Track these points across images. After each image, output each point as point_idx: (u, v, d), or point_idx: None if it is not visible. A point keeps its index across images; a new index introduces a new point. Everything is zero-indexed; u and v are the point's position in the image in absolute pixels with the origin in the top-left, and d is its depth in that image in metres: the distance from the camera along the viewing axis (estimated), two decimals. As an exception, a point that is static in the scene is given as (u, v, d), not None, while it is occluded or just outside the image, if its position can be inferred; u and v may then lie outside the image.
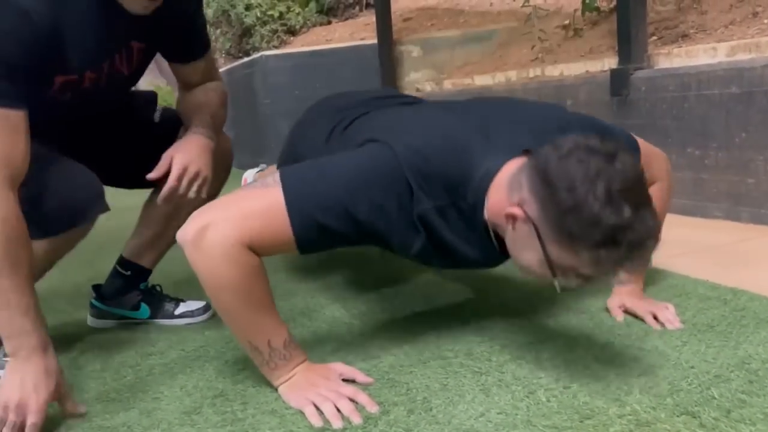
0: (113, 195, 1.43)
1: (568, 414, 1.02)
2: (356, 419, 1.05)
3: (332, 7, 6.17)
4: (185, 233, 1.10)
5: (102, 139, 1.48)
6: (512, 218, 1.07)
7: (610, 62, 2.75)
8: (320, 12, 6.15)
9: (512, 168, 1.11)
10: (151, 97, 1.61)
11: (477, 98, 1.44)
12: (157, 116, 1.55)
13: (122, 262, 1.62)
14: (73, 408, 1.15)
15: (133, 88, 1.52)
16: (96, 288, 1.65)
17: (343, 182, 1.13)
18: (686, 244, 2.01)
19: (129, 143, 1.51)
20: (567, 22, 3.73)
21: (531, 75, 3.27)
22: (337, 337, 1.43)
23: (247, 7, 6.08)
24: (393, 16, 4.53)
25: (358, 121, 1.40)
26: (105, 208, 1.35)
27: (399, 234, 1.17)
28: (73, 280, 2.00)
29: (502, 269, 1.86)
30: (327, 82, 4.32)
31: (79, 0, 1.19)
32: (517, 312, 1.49)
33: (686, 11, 2.98)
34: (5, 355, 1.32)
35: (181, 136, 1.44)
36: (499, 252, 1.21)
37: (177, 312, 1.63)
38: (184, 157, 1.35)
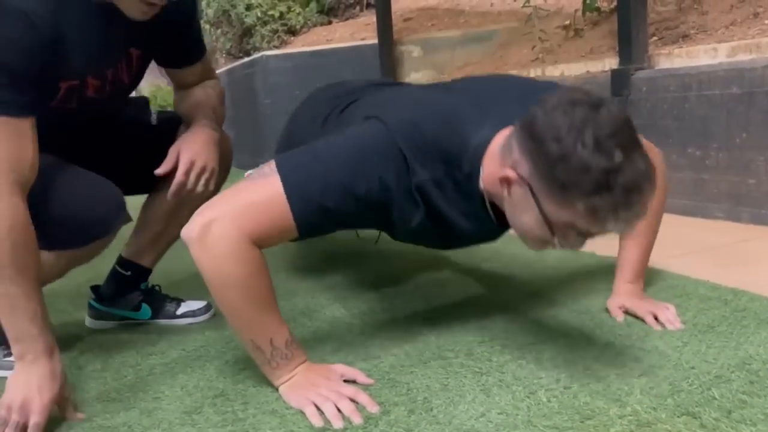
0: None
1: (568, 414, 1.02)
2: (357, 419, 1.05)
3: (333, 7, 6.17)
4: (189, 231, 1.11)
5: (103, 147, 1.48)
6: (506, 182, 1.07)
7: (611, 62, 2.75)
8: (321, 12, 6.15)
9: (504, 135, 1.11)
10: (144, 102, 1.63)
11: (467, 76, 1.45)
12: (153, 119, 1.56)
13: (122, 262, 1.62)
14: (73, 415, 1.15)
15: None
16: (95, 289, 1.64)
17: (339, 161, 1.14)
18: (687, 244, 2.01)
19: (130, 148, 1.51)
20: (567, 22, 3.73)
21: (532, 75, 3.27)
22: (338, 337, 1.43)
23: (248, 7, 6.08)
24: (393, 16, 4.54)
25: (353, 105, 1.41)
26: (127, 219, 1.37)
27: (399, 205, 1.17)
28: (73, 281, 2.00)
29: (503, 270, 1.87)
30: (327, 82, 4.31)
31: (80, 5, 1.19)
32: (517, 312, 1.49)
33: (687, 12, 2.98)
34: (6, 356, 1.33)
35: (181, 134, 1.44)
36: (497, 224, 1.22)
37: (179, 312, 1.62)
38: (191, 152, 1.36)
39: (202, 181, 1.37)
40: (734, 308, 1.40)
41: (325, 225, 1.18)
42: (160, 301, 1.64)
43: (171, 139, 1.43)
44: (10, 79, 1.09)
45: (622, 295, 1.44)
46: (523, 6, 3.79)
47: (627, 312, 1.40)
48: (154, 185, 1.51)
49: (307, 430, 1.05)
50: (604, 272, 1.62)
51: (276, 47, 5.79)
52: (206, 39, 7.41)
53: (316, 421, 1.06)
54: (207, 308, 1.64)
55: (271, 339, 1.14)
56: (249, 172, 2.27)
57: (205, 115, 1.46)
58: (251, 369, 1.27)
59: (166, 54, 1.45)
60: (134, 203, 1.60)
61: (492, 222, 1.22)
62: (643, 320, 1.36)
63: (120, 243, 1.64)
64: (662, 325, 1.33)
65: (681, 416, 0.99)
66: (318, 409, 1.09)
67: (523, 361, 1.22)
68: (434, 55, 4.55)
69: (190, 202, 1.45)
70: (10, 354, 1.22)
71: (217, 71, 6.22)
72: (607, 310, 1.43)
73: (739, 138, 2.19)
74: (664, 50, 2.61)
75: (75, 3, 1.19)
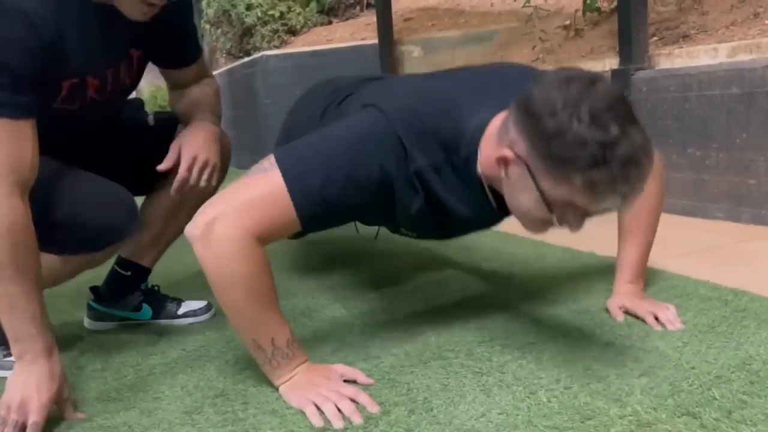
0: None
1: (569, 414, 1.02)
2: (357, 419, 1.05)
3: (333, 7, 6.17)
4: (193, 229, 1.11)
5: (104, 150, 1.48)
6: (504, 162, 1.07)
7: (611, 63, 2.75)
8: (321, 12, 6.15)
9: (501, 118, 1.11)
10: (140, 103, 1.63)
11: (467, 65, 1.45)
12: (150, 120, 1.56)
13: (121, 262, 1.61)
14: (72, 415, 1.15)
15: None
16: (94, 290, 1.63)
17: (339, 151, 1.14)
18: (687, 244, 2.01)
19: (129, 150, 1.51)
20: (568, 22, 3.73)
21: (532, 75, 3.27)
22: (338, 337, 1.43)
23: (248, 7, 6.08)
24: (394, 16, 4.54)
25: (352, 96, 1.42)
26: (140, 225, 1.37)
27: (399, 192, 1.18)
28: (73, 281, 2.00)
29: (503, 270, 1.87)
30: (327, 82, 4.32)
31: (80, 6, 1.20)
32: (517, 312, 1.49)
33: (687, 12, 2.98)
34: (5, 356, 1.33)
35: (180, 132, 1.45)
36: (497, 209, 1.22)
37: (180, 312, 1.62)
38: (193, 147, 1.37)
39: (205, 176, 1.38)
40: (734, 308, 1.40)
41: (328, 216, 1.18)
42: (160, 302, 1.63)
43: (169, 139, 1.43)
44: (11, 79, 1.09)
45: (622, 296, 1.44)
46: (524, 6, 3.79)
47: (627, 312, 1.40)
48: (153, 186, 1.51)
49: (308, 430, 1.05)
50: (604, 272, 1.62)
51: (276, 47, 5.80)
52: (206, 39, 7.40)
53: (317, 421, 1.06)
54: (207, 308, 1.64)
55: (273, 338, 1.14)
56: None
57: (204, 111, 1.47)
58: (251, 369, 1.27)
59: (165, 55, 1.46)
60: (134, 203, 1.60)
61: (491, 207, 1.22)
62: (643, 320, 1.36)
63: (120, 243, 1.64)
64: (663, 325, 1.33)
65: (681, 416, 0.99)
66: (318, 409, 1.09)
67: (523, 361, 1.22)
68: (434, 55, 4.55)
69: (189, 201, 1.46)
70: (9, 354, 1.22)
71: (217, 71, 6.25)
72: (607, 311, 1.43)
73: (739, 138, 2.19)
74: (665, 50, 2.61)
75: (75, 3, 1.19)
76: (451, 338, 1.36)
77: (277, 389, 1.17)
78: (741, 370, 1.12)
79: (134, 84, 1.41)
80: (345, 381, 1.16)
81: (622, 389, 1.08)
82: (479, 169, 1.16)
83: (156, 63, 1.47)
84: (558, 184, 1.00)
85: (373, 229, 2.14)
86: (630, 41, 2.55)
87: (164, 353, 1.42)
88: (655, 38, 2.86)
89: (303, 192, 1.11)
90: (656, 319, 1.34)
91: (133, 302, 1.61)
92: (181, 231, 1.58)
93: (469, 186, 1.19)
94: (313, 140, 1.19)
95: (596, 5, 3.45)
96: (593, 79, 0.99)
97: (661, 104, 2.44)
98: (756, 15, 2.63)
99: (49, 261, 1.29)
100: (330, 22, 6.09)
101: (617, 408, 1.02)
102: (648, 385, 1.09)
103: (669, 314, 1.35)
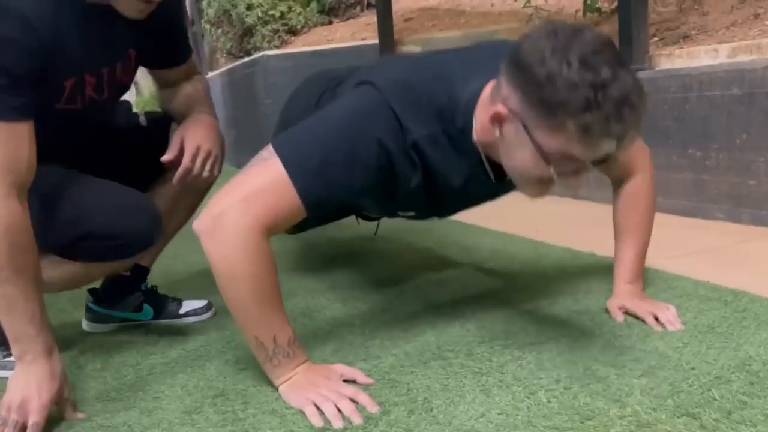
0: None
1: (568, 415, 1.02)
2: (357, 419, 1.05)
3: (333, 7, 6.18)
4: (200, 224, 1.12)
5: (103, 154, 1.48)
6: (498, 120, 1.08)
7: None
8: (321, 12, 6.15)
9: (493, 84, 1.12)
10: (129, 105, 1.64)
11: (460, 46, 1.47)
12: (142, 120, 1.57)
13: None
14: (72, 415, 1.15)
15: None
16: (92, 291, 1.61)
17: (336, 132, 1.15)
18: (687, 245, 2.01)
19: (125, 152, 1.52)
20: (568, 22, 3.73)
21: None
22: (338, 337, 1.43)
23: (249, 7, 6.09)
24: (394, 17, 4.53)
25: (346, 81, 1.43)
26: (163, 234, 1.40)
27: (400, 164, 1.18)
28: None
29: (503, 270, 1.87)
30: (328, 82, 4.32)
31: (78, 6, 1.20)
32: (517, 312, 1.49)
33: (687, 12, 2.98)
34: (5, 356, 1.33)
35: (173, 131, 1.46)
36: (495, 181, 1.23)
37: (181, 311, 1.62)
38: (195, 138, 1.39)
39: (207, 166, 1.40)
40: (734, 309, 1.40)
41: (332, 199, 1.18)
42: (161, 302, 1.63)
43: (163, 139, 1.45)
44: (8, 80, 1.09)
45: (622, 296, 1.44)
46: (524, 6, 3.79)
47: (627, 312, 1.40)
48: (149, 186, 1.52)
49: (307, 430, 1.05)
50: (604, 272, 1.62)
51: (276, 47, 5.80)
52: (207, 39, 7.39)
53: (316, 421, 1.06)
54: (208, 307, 1.64)
55: (275, 336, 1.14)
56: None
57: (201, 105, 1.49)
58: (251, 369, 1.27)
59: (159, 54, 1.46)
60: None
61: (489, 178, 1.23)
62: (643, 321, 1.36)
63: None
64: (662, 325, 1.33)
65: (681, 417, 0.99)
66: (318, 409, 1.09)
67: (523, 362, 1.22)
68: (435, 56, 4.54)
69: (186, 199, 1.49)
70: (10, 354, 1.22)
71: (218, 71, 6.24)
72: (606, 311, 1.43)
73: (739, 139, 2.19)
74: (665, 51, 2.61)
75: (72, 4, 1.19)
76: (451, 338, 1.36)
77: (276, 389, 1.17)
78: (741, 370, 1.12)
79: (129, 83, 1.42)
80: (345, 381, 1.16)
81: (621, 390, 1.08)
82: (475, 137, 1.17)
83: (150, 64, 1.47)
84: (553, 134, 1.01)
85: (372, 227, 2.15)
86: (630, 42, 2.55)
87: (164, 353, 1.42)
88: (656, 39, 2.86)
89: (304, 177, 1.12)
90: (656, 319, 1.34)
91: (134, 303, 1.61)
92: (177, 230, 1.59)
93: (466, 157, 1.20)
94: (309, 124, 1.20)
95: (596, 6, 3.45)
96: (580, 27, 1.00)
97: (661, 105, 2.44)
98: (756, 16, 2.63)
99: (73, 267, 1.32)
100: (330, 22, 6.10)
101: (617, 408, 1.02)
102: (648, 386, 1.09)
103: (669, 315, 1.35)
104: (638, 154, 1.44)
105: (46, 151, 1.17)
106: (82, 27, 1.21)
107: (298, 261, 2.17)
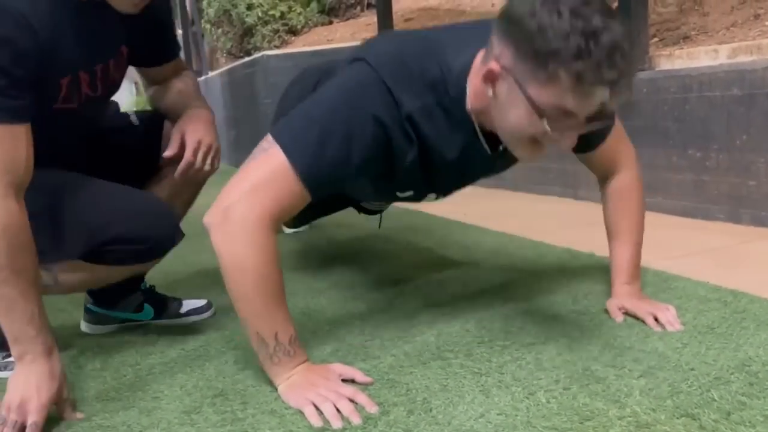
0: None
1: (567, 415, 1.02)
2: (356, 420, 1.05)
3: (333, 7, 6.18)
4: (209, 217, 1.14)
5: (100, 156, 1.48)
6: (491, 78, 1.09)
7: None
8: (321, 12, 6.16)
9: (484, 50, 1.13)
10: (116, 105, 1.64)
11: None
12: (134, 119, 1.57)
13: None
14: (71, 415, 1.15)
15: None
16: (91, 293, 1.59)
17: (331, 112, 1.16)
18: (687, 245, 2.01)
19: (121, 152, 1.52)
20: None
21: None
22: (338, 337, 1.43)
23: (249, 7, 6.09)
24: (394, 17, 4.53)
25: (343, 65, 1.43)
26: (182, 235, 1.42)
27: (396, 139, 1.19)
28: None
29: (503, 270, 1.87)
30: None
31: (71, 3, 1.19)
32: (517, 312, 1.49)
33: (688, 13, 2.98)
34: (5, 357, 1.33)
35: (167, 129, 1.47)
36: (490, 153, 1.24)
37: (182, 311, 1.62)
38: (196, 133, 1.40)
39: (209, 160, 1.42)
40: (734, 310, 1.40)
41: (334, 181, 1.19)
42: (161, 301, 1.63)
43: (156, 136, 1.46)
44: (8, 82, 1.08)
45: (622, 297, 1.44)
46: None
47: (627, 313, 1.40)
48: (144, 184, 1.52)
49: (306, 430, 1.05)
50: (604, 273, 1.62)
51: (277, 47, 5.81)
52: (207, 39, 7.38)
53: (315, 421, 1.06)
54: (208, 306, 1.64)
55: (276, 333, 1.15)
56: None
57: (194, 99, 1.50)
58: (251, 369, 1.27)
59: (151, 50, 1.47)
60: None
61: (484, 149, 1.24)
62: (643, 321, 1.36)
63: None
64: (662, 326, 1.33)
65: (680, 418, 0.99)
66: (317, 409, 1.09)
67: (522, 362, 1.22)
68: (435, 56, 4.54)
69: (183, 194, 1.50)
70: (9, 355, 1.22)
71: (218, 71, 6.23)
72: (606, 311, 1.43)
73: (739, 140, 2.19)
74: (665, 51, 2.61)
75: (66, 2, 1.19)
76: (451, 339, 1.36)
77: (276, 389, 1.17)
78: (740, 371, 1.12)
79: (120, 81, 1.43)
80: (343, 381, 1.16)
81: (621, 390, 1.08)
82: (469, 105, 1.18)
83: (141, 61, 1.48)
84: (545, 86, 1.02)
85: (374, 225, 2.15)
86: (630, 42, 2.54)
87: (163, 353, 1.42)
88: (656, 39, 2.86)
89: (305, 162, 1.13)
90: (656, 320, 1.34)
91: (134, 303, 1.60)
92: None
93: (460, 127, 1.21)
94: (305, 108, 1.21)
95: (597, 6, 3.45)
96: None
97: (661, 105, 2.44)
98: (756, 16, 2.63)
99: (92, 271, 1.32)
100: (330, 22, 6.10)
101: (616, 409, 1.02)
102: (647, 386, 1.09)
103: (669, 315, 1.35)
104: (624, 148, 1.45)
105: (45, 152, 1.16)
106: (76, 24, 1.21)
107: (298, 261, 2.17)
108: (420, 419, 1.04)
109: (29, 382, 1.09)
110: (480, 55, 1.16)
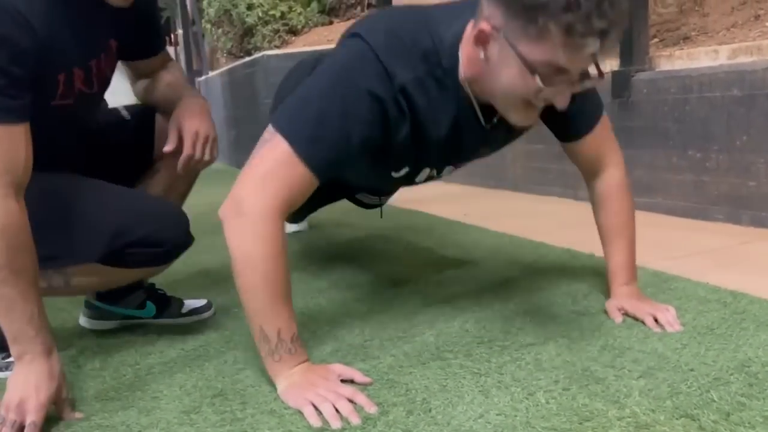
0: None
1: (567, 416, 1.02)
2: (355, 420, 1.05)
3: (334, 7, 6.18)
4: (223, 209, 1.16)
5: (97, 154, 1.48)
6: (482, 40, 1.10)
7: (612, 64, 2.75)
8: (322, 12, 6.16)
9: (474, 19, 1.15)
10: (105, 102, 1.64)
11: None
12: (125, 114, 1.57)
13: None
14: (70, 415, 1.15)
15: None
16: None
17: (327, 93, 1.18)
18: (687, 246, 2.01)
19: (116, 148, 1.52)
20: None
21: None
22: (337, 337, 1.43)
23: (249, 7, 6.09)
24: (395, 17, 4.53)
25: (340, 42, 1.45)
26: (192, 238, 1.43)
27: (392, 110, 1.20)
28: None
29: (503, 270, 1.87)
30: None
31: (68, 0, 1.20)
32: (516, 313, 1.49)
33: (688, 13, 2.98)
34: (5, 357, 1.33)
35: (159, 122, 1.48)
36: (485, 124, 1.25)
37: (184, 310, 1.62)
38: (193, 124, 1.41)
39: (207, 150, 1.43)
40: (734, 310, 1.40)
41: (339, 162, 1.20)
42: (163, 299, 1.63)
43: (149, 129, 1.48)
44: (7, 82, 1.08)
45: (621, 297, 1.44)
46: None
47: (626, 314, 1.40)
48: (138, 179, 1.52)
49: (306, 430, 1.05)
50: (603, 274, 1.62)
51: (277, 47, 5.81)
52: (207, 39, 7.38)
53: (314, 422, 1.06)
54: (209, 306, 1.64)
55: (279, 330, 1.15)
56: None
57: (185, 89, 1.51)
58: (250, 369, 1.27)
59: (140, 43, 1.48)
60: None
61: (478, 121, 1.25)
62: (642, 322, 1.36)
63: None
64: (662, 327, 1.33)
65: (680, 418, 0.99)
66: (316, 409, 1.09)
67: (521, 363, 1.22)
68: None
69: (178, 187, 1.52)
70: (9, 356, 1.22)
71: (218, 71, 6.23)
72: (605, 312, 1.43)
73: (739, 140, 2.19)
74: (665, 52, 2.61)
75: None
76: (450, 339, 1.36)
77: (275, 388, 1.17)
78: (740, 372, 1.12)
79: (111, 76, 1.43)
80: (343, 381, 1.16)
81: (620, 391, 1.08)
82: (462, 74, 1.19)
83: (129, 55, 1.48)
84: (537, 42, 1.03)
85: (373, 225, 2.15)
86: (630, 43, 2.55)
87: (163, 353, 1.42)
88: (656, 40, 2.86)
89: (306, 146, 1.15)
90: (655, 320, 1.34)
91: (137, 299, 1.60)
92: None
93: (453, 98, 1.22)
94: (301, 92, 1.22)
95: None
96: None
97: (661, 106, 2.44)
98: (757, 17, 2.63)
99: (106, 273, 1.32)
100: (331, 22, 6.10)
101: (616, 409, 1.02)
102: (646, 387, 1.09)
103: (668, 316, 1.35)
104: (611, 144, 1.46)
105: (44, 152, 1.16)
106: (71, 19, 1.21)
107: (298, 261, 2.17)
108: (419, 419, 1.04)
109: (28, 382, 1.09)
110: (470, 25, 1.17)
